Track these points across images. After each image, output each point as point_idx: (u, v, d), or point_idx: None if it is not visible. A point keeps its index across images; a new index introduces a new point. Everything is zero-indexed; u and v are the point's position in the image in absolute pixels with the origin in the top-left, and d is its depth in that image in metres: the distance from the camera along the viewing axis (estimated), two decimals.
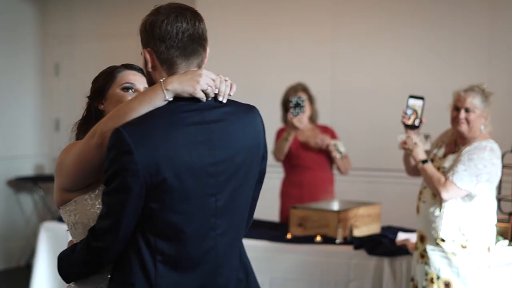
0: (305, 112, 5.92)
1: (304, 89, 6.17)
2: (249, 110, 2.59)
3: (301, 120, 5.88)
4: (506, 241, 4.95)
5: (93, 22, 9.47)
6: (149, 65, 2.49)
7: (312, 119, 6.23)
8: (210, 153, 2.43)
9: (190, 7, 2.51)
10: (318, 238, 5.38)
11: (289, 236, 5.48)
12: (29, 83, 9.42)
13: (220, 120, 2.47)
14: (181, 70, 2.47)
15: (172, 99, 2.42)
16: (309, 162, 6.19)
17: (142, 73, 2.80)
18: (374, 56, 7.33)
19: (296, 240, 5.42)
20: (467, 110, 4.59)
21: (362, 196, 6.82)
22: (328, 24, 7.55)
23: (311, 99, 6.14)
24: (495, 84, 6.28)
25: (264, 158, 2.64)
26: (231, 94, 2.53)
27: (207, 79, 2.44)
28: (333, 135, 6.21)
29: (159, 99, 2.41)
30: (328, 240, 5.38)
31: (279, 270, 5.35)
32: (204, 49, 2.51)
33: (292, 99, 5.89)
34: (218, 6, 7.84)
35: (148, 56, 2.48)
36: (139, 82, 2.81)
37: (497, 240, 4.82)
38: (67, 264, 2.56)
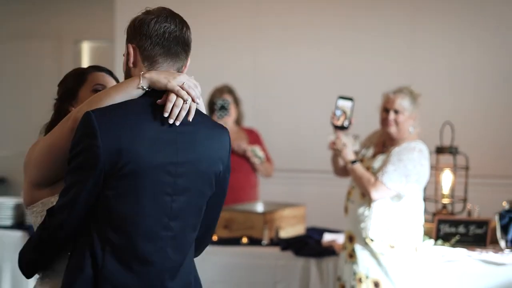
0: (230, 115, 5.89)
1: (230, 91, 6.14)
2: (219, 126, 2.63)
3: (226, 122, 5.84)
4: (432, 241, 5.03)
5: (7, 23, 9.29)
6: (131, 60, 2.52)
7: (238, 121, 6.19)
8: (173, 153, 2.45)
9: (179, 15, 2.60)
10: (244, 240, 5.36)
11: (214, 238, 5.44)
12: None
13: (190, 125, 2.49)
14: (162, 69, 2.51)
15: (147, 88, 2.46)
16: (232, 164, 6.15)
17: (111, 74, 2.84)
18: (297, 58, 7.37)
19: (222, 242, 5.38)
20: (396, 112, 4.64)
21: (284, 198, 6.83)
22: (250, 24, 7.54)
23: (236, 101, 6.11)
24: (414, 87, 6.42)
25: (226, 179, 2.68)
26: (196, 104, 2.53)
27: (183, 80, 2.48)
28: (257, 138, 6.19)
29: (134, 86, 2.46)
30: (254, 241, 5.36)
31: (205, 272, 5.27)
32: (187, 55, 2.57)
33: (217, 102, 5.85)
34: (138, 5, 7.73)
35: (131, 51, 2.52)
36: (110, 83, 2.81)
37: (423, 240, 4.89)
38: (23, 255, 2.56)
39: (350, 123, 4.76)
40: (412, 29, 6.98)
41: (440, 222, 5.11)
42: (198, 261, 5.21)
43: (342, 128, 4.75)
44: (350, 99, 4.77)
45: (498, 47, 6.80)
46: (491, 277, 4.69)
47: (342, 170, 4.90)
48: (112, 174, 2.38)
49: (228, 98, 6.01)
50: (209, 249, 5.23)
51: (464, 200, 5.45)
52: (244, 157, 6.11)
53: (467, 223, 5.10)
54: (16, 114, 9.43)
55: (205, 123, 2.57)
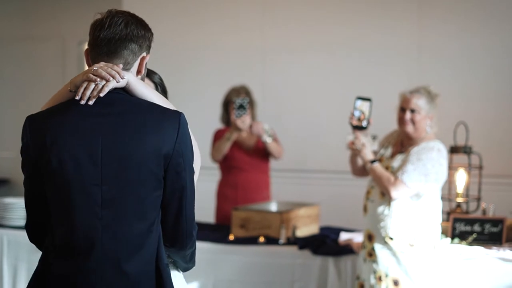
0: (248, 114, 5.90)
1: (247, 92, 6.17)
2: (162, 112, 2.59)
3: (245, 121, 5.86)
4: (448, 239, 5.08)
5: (11, 25, 9.29)
6: (86, 64, 2.70)
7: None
8: (95, 143, 2.50)
9: (128, 12, 2.68)
10: (261, 239, 5.40)
11: (231, 237, 5.47)
12: None
13: (113, 114, 2.54)
14: None
15: (75, 90, 2.59)
16: (244, 164, 6.20)
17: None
18: (306, 59, 7.40)
19: (239, 241, 5.42)
20: (412, 111, 4.68)
21: (294, 198, 6.87)
22: (259, 26, 7.58)
23: (252, 103, 6.13)
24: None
25: (177, 165, 2.57)
26: (98, 94, 2.56)
27: (95, 67, 2.58)
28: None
29: (66, 90, 2.63)
30: (271, 241, 5.39)
31: (223, 272, 5.34)
32: (131, 51, 2.63)
33: (236, 101, 5.86)
34: (145, 5, 7.77)
35: (85, 56, 2.70)
36: None
37: (440, 239, 4.93)
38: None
39: (368, 123, 4.81)
40: (422, 29, 7.03)
41: (456, 220, 5.16)
42: (216, 260, 5.30)
43: (360, 128, 4.79)
44: (368, 99, 4.82)
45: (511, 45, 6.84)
46: (509, 275, 4.73)
47: (360, 170, 4.94)
48: (42, 169, 2.52)
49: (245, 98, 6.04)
50: (226, 248, 5.34)
51: (478, 199, 5.50)
52: (258, 154, 6.15)
53: (482, 222, 5.15)
54: (20, 115, 9.42)
55: (136, 111, 2.56)
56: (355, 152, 4.82)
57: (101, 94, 2.53)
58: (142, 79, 2.72)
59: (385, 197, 4.62)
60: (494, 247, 5.00)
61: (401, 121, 4.74)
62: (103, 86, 2.54)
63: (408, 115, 4.69)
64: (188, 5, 7.81)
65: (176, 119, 2.57)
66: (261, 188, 6.30)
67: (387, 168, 4.68)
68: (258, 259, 5.29)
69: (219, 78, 7.44)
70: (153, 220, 2.57)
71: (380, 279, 4.65)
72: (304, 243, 5.29)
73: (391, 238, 4.60)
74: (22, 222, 5.88)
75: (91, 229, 2.51)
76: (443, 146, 4.68)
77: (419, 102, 4.67)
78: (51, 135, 2.51)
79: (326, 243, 5.29)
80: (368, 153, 4.72)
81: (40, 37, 9.28)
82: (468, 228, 5.15)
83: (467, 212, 5.46)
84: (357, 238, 5.27)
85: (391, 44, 7.13)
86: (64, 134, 2.50)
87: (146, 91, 2.64)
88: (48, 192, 2.55)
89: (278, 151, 6.20)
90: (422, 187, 4.55)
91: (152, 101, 2.63)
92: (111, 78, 2.54)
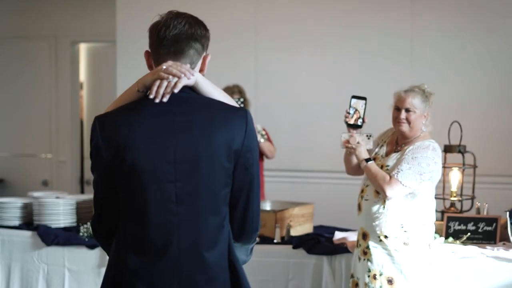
0: None
1: (240, 91, 6.18)
2: (227, 109, 2.69)
3: None
4: (442, 238, 5.09)
5: (3, 24, 9.28)
6: (147, 65, 2.75)
7: None
8: (169, 141, 2.56)
9: (188, 14, 2.75)
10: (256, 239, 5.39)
11: None
12: None
13: (185, 113, 2.61)
14: None
15: (144, 90, 2.65)
16: None
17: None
18: (298, 58, 7.41)
19: None
20: (407, 110, 4.69)
21: (287, 197, 6.88)
22: (251, 25, 7.58)
23: (246, 102, 6.14)
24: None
25: (246, 159, 2.66)
26: (172, 91, 2.63)
27: (164, 65, 2.63)
28: (265, 131, 6.24)
29: (134, 90, 2.68)
30: (266, 240, 5.40)
31: None
32: (196, 50, 2.73)
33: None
34: (139, 6, 7.77)
35: (146, 57, 2.76)
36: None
37: (434, 237, 4.94)
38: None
39: (363, 121, 4.81)
40: (414, 28, 7.04)
41: (450, 219, 5.18)
42: None
43: (355, 126, 4.80)
44: (363, 98, 4.82)
45: (507, 45, 6.85)
46: (504, 273, 4.75)
47: (355, 169, 4.94)
48: (116, 168, 2.58)
49: (237, 96, 6.04)
50: None
51: (472, 198, 5.51)
52: None
53: (476, 221, 5.16)
54: (13, 115, 9.41)
55: (205, 109, 2.65)
56: (350, 150, 4.82)
57: (175, 90, 2.59)
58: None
59: (380, 195, 4.62)
60: (488, 246, 5.01)
61: (396, 120, 4.74)
62: (175, 83, 2.60)
63: (403, 114, 4.69)
64: (179, 4, 7.79)
65: (243, 116, 2.67)
66: None
67: (382, 166, 4.68)
68: (252, 258, 5.25)
69: (212, 77, 7.41)
70: (224, 215, 2.66)
71: (374, 277, 4.65)
72: (299, 242, 5.30)
73: (386, 237, 4.60)
74: (17, 221, 5.88)
75: (167, 225, 2.58)
76: (437, 145, 4.69)
77: (414, 101, 4.68)
78: (124, 135, 2.57)
79: (320, 242, 5.30)
80: (363, 152, 4.73)
81: (33, 37, 9.26)
82: (462, 227, 5.16)
83: (461, 211, 5.47)
84: (352, 237, 5.28)
85: (384, 42, 7.14)
86: (136, 134, 2.57)
87: (213, 90, 2.74)
88: (121, 190, 2.62)
89: (271, 151, 6.21)
90: (417, 186, 4.55)
91: (218, 99, 2.71)
92: (183, 75, 2.61)
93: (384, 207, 4.61)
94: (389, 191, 4.53)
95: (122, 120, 2.60)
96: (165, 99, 2.59)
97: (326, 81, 7.33)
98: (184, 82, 2.62)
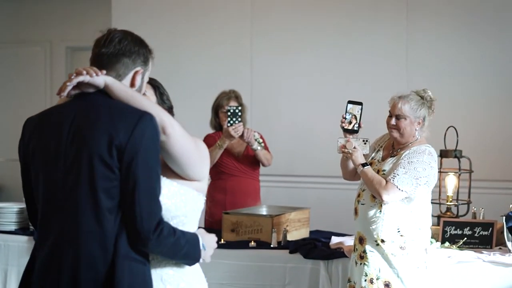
0: (241, 121, 5.86)
1: (237, 97, 6.16)
2: (126, 112, 2.76)
3: (237, 129, 5.82)
4: (439, 243, 5.10)
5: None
6: None
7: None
8: (62, 135, 2.77)
9: (126, 31, 2.96)
10: (252, 243, 5.40)
11: (222, 241, 5.47)
12: None
13: (85, 110, 2.79)
14: None
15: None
16: (234, 170, 6.20)
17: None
18: (294, 64, 7.42)
19: (230, 245, 5.42)
20: (397, 117, 4.70)
21: (283, 202, 6.88)
22: (246, 30, 7.59)
23: (243, 108, 6.10)
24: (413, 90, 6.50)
25: (131, 167, 2.72)
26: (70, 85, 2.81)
27: (76, 69, 2.83)
28: (261, 139, 6.24)
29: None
30: (262, 245, 5.40)
31: (214, 275, 5.33)
32: (122, 64, 2.89)
33: (229, 108, 5.83)
34: (134, 12, 7.77)
35: None
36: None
37: (431, 242, 4.95)
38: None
39: (359, 126, 4.82)
40: (410, 34, 7.06)
41: (446, 224, 5.19)
42: (206, 264, 5.26)
43: (352, 131, 4.81)
44: (359, 103, 4.83)
45: (503, 50, 6.87)
46: (500, 278, 4.76)
47: (351, 174, 4.95)
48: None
49: (234, 103, 6.04)
50: (217, 252, 5.29)
51: (468, 203, 5.52)
52: (246, 160, 6.16)
53: (472, 225, 5.17)
54: (9, 120, 9.41)
55: (102, 108, 2.77)
56: (346, 155, 4.83)
57: (70, 83, 2.76)
58: (139, 91, 2.90)
59: (376, 200, 4.63)
60: (485, 251, 5.02)
61: (388, 126, 4.77)
62: (74, 78, 2.77)
63: (393, 120, 4.71)
64: (176, 11, 7.82)
65: (135, 117, 2.72)
66: (250, 194, 6.30)
67: (378, 171, 4.69)
68: (249, 263, 5.29)
69: (207, 82, 7.44)
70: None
71: (371, 281, 4.66)
72: (295, 247, 5.30)
73: (383, 241, 4.61)
74: (13, 226, 5.88)
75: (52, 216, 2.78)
76: (433, 150, 4.70)
77: (404, 108, 4.68)
78: (31, 131, 2.91)
79: (317, 247, 5.30)
80: (359, 157, 4.74)
81: (28, 41, 9.26)
82: (458, 231, 5.17)
83: (457, 216, 5.49)
84: (348, 241, 5.29)
85: (379, 48, 7.16)
86: (40, 129, 2.86)
87: (124, 94, 2.80)
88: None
89: (267, 159, 6.20)
90: (413, 190, 4.56)
91: (128, 103, 2.78)
92: (84, 73, 2.75)
93: (380, 211, 4.62)
94: (385, 196, 4.54)
95: (36, 120, 2.99)
96: (63, 94, 2.80)
97: (322, 86, 7.35)
98: (82, 78, 2.76)
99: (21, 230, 5.88)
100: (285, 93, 7.49)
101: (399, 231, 4.60)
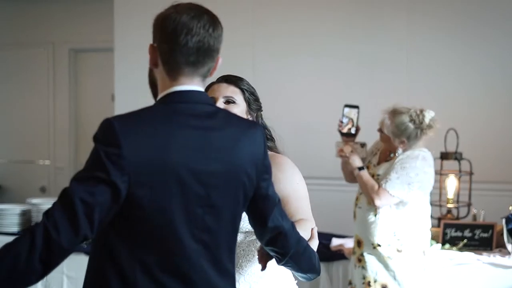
0: None
1: None
2: (251, 125, 2.37)
3: None
4: (439, 245, 5.11)
5: (2, 30, 9.31)
6: (151, 61, 2.32)
7: None
8: (204, 160, 2.20)
9: (204, 8, 2.33)
10: None
11: None
12: None
13: (219, 129, 2.26)
14: (185, 76, 2.27)
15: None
16: None
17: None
18: (295, 66, 7.41)
19: None
20: (381, 131, 4.75)
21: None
22: (248, 32, 7.60)
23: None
24: (418, 94, 6.53)
25: (265, 179, 2.37)
26: None
27: None
28: None
29: None
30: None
31: None
32: (213, 59, 2.30)
33: None
34: (137, 10, 7.80)
35: (150, 52, 2.30)
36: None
37: (431, 244, 4.96)
38: None
39: (357, 130, 4.84)
40: (410, 36, 7.05)
41: (446, 226, 5.20)
42: None
43: (349, 135, 4.83)
44: (355, 106, 4.85)
45: (502, 52, 6.86)
46: (500, 279, 4.77)
47: (352, 177, 4.96)
48: (136, 186, 2.12)
49: None
50: None
51: (469, 205, 5.53)
52: None
53: (473, 227, 5.18)
54: (11, 121, 9.42)
55: (235, 124, 2.32)
56: (344, 159, 4.85)
57: None
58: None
59: (372, 204, 4.65)
60: (485, 253, 5.03)
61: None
62: None
63: (380, 135, 4.78)
64: None
65: (257, 126, 2.43)
66: None
67: (373, 175, 4.71)
68: None
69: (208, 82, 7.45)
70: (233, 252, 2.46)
71: (369, 284, 4.67)
72: None
73: (379, 245, 4.62)
74: (15, 228, 5.90)
75: (191, 252, 2.25)
76: (429, 154, 4.68)
77: (386, 125, 4.72)
78: (154, 148, 2.20)
79: (317, 249, 5.30)
80: (356, 160, 4.75)
81: (30, 43, 9.27)
82: (458, 233, 5.18)
83: (457, 218, 5.49)
84: (349, 243, 5.29)
85: (380, 51, 7.15)
86: (170, 149, 2.22)
87: None
88: (138, 209, 2.23)
89: None
90: (406, 195, 4.56)
91: None
92: None
93: (375, 215, 4.63)
94: (377, 201, 4.56)
95: (150, 129, 2.19)
96: None
97: (323, 89, 7.34)
98: None
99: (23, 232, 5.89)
100: (286, 95, 7.48)
101: (395, 235, 4.61)
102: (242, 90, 3.09)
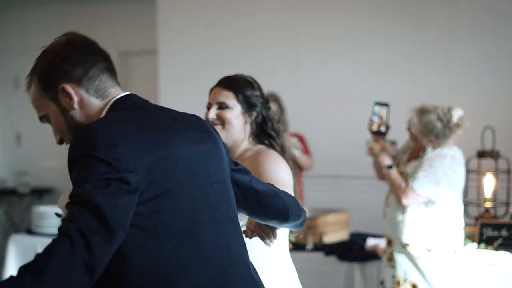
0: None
1: (276, 99, 6.16)
2: (206, 124, 2.40)
3: None
4: (475, 244, 5.03)
5: (52, 34, 9.41)
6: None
7: (282, 129, 6.17)
8: (196, 145, 2.27)
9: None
10: (289, 245, 5.40)
11: None
12: None
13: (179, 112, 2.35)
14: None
15: None
16: None
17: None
18: (338, 63, 7.41)
19: None
20: (409, 129, 4.71)
21: (329, 203, 6.87)
22: (290, 30, 7.61)
23: (281, 109, 6.11)
24: (455, 92, 6.45)
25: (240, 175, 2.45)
26: None
27: None
28: (302, 140, 6.23)
29: None
30: (298, 247, 5.41)
31: None
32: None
33: None
34: (181, 14, 7.87)
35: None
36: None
37: (466, 243, 4.89)
38: None
39: (387, 128, 4.80)
40: (450, 34, 6.98)
41: (483, 225, 5.11)
42: None
43: (379, 133, 4.79)
44: (385, 104, 4.81)
45: None
46: None
47: (383, 175, 4.94)
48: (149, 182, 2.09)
49: (273, 106, 6.05)
50: None
51: (507, 204, 5.43)
52: None
53: (510, 227, 5.09)
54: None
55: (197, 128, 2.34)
56: (374, 157, 4.83)
57: None
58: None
59: (400, 202, 4.61)
60: None
61: None
62: None
63: (408, 134, 4.75)
64: (221, 14, 7.89)
65: (209, 125, 2.48)
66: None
67: (401, 173, 4.67)
68: None
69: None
70: None
71: (399, 283, 4.65)
72: (331, 249, 5.30)
73: (407, 244, 4.58)
74: (55, 230, 5.99)
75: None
76: (459, 152, 4.63)
77: (413, 124, 4.68)
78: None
79: (352, 249, 5.29)
80: (385, 158, 4.72)
81: None
82: (495, 233, 5.09)
83: (495, 217, 5.40)
84: (383, 243, 5.26)
85: (419, 48, 7.09)
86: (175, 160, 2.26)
87: None
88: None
89: (308, 163, 6.20)
90: (433, 194, 4.51)
91: None
92: None
93: (404, 214, 4.60)
94: (404, 200, 4.52)
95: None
96: None
97: (365, 88, 7.31)
98: None
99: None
100: (328, 94, 7.48)
101: (424, 234, 4.57)
102: (236, 94, 3.16)
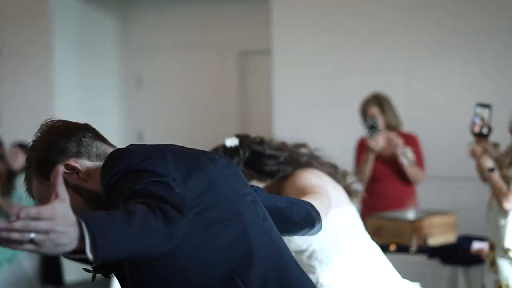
0: (380, 132, 5.88)
1: (377, 102, 6.10)
2: None
3: (377, 141, 5.86)
4: None
5: (174, 34, 9.61)
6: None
7: (392, 127, 6.10)
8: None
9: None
10: (393, 247, 5.37)
11: None
12: (112, 96, 9.67)
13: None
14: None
15: None
16: (382, 174, 6.13)
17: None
18: (452, 62, 7.29)
19: None
20: None
21: (441, 205, 6.74)
22: (404, 30, 7.55)
23: (383, 111, 6.04)
24: None
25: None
26: None
27: None
28: (413, 142, 6.13)
29: None
30: (402, 248, 5.36)
31: None
32: None
33: (366, 122, 5.92)
34: (295, 9, 7.92)
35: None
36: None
37: None
38: None
39: (489, 130, 4.68)
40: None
41: None
42: None
43: (481, 135, 4.68)
44: (487, 106, 4.69)
45: None
46: None
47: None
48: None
49: (374, 109, 6.00)
50: None
51: None
52: (388, 164, 6.08)
53: None
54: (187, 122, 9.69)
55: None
56: (476, 160, 4.72)
57: None
58: None
59: (502, 206, 4.50)
60: None
61: None
62: None
63: None
64: (337, 10, 7.90)
65: None
66: (401, 198, 6.19)
67: (504, 176, 4.55)
68: None
69: (363, 82, 7.44)
70: None
71: None
72: (434, 252, 5.23)
73: (510, 249, 4.47)
74: None
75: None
76: None
77: None
78: None
79: (456, 252, 5.20)
80: (487, 161, 4.61)
81: (202, 46, 9.47)
82: None
83: None
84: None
85: None
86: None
87: None
88: None
89: (416, 176, 6.06)
90: None
91: None
92: None
93: (505, 218, 4.49)
94: (506, 204, 4.41)
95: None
96: None
97: (479, 85, 7.17)
98: None
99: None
100: (443, 94, 7.36)
101: None
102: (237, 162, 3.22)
